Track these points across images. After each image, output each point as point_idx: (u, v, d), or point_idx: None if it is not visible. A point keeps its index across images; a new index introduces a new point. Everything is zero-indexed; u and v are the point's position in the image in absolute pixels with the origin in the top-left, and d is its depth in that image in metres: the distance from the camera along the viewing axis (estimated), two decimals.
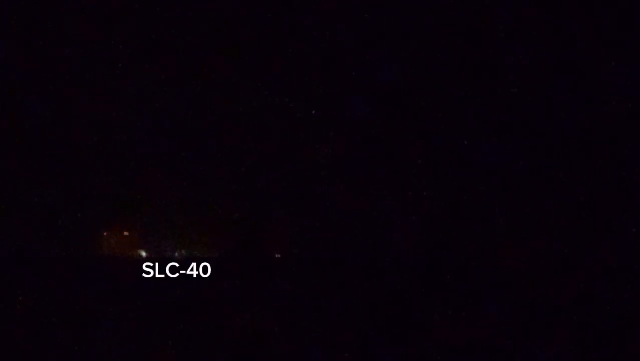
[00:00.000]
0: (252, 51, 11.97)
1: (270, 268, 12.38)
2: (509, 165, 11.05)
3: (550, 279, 10.45)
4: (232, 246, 12.64)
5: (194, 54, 12.09)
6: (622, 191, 10.57)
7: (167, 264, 12.66)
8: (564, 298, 10.14)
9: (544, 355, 9.54)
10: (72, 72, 12.11)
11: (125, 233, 12.81)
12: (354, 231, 11.73)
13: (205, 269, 12.34)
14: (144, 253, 12.85)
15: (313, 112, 11.95)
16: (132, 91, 12.29)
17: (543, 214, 10.83)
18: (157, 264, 12.64)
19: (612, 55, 10.64)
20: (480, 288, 10.65)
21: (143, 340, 10.96)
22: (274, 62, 11.99)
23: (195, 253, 12.80)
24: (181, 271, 12.40)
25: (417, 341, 10.43)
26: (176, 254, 12.83)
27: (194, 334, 11.08)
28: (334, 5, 11.55)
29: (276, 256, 12.55)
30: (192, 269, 12.42)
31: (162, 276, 12.21)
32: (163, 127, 12.42)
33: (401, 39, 11.46)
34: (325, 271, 11.85)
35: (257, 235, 12.48)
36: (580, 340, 9.57)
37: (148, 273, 12.32)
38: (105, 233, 12.79)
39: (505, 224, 10.94)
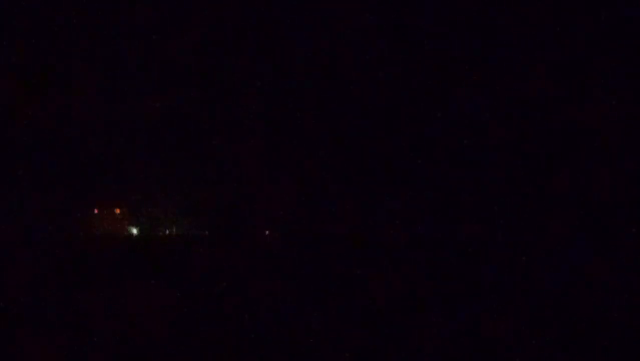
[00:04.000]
0: (246, 50, 11.96)
1: (260, 245, 12.45)
2: (508, 165, 11.13)
3: (549, 279, 10.61)
4: (222, 224, 12.72)
5: (189, 51, 12.05)
6: (622, 191, 10.68)
7: (158, 241, 12.79)
8: (564, 297, 10.31)
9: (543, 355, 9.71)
10: (65, 64, 12.08)
11: (117, 211, 12.85)
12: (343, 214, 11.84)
13: (196, 247, 12.48)
14: (134, 231, 12.90)
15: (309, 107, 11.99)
16: (125, 80, 12.27)
17: (544, 214, 10.95)
18: (148, 241, 12.77)
19: (612, 56, 10.67)
20: (478, 285, 10.80)
21: (134, 315, 11.03)
22: (265, 61, 12.00)
23: (186, 231, 12.88)
24: (172, 248, 12.52)
25: (407, 323, 10.57)
26: (167, 231, 12.89)
27: (184, 309, 11.17)
28: (334, 7, 11.50)
29: (266, 233, 12.66)
30: (182, 247, 12.55)
31: (153, 252, 12.32)
32: (155, 111, 12.43)
33: (401, 41, 11.44)
34: (315, 250, 11.96)
35: (247, 214, 12.57)
36: (580, 339, 9.72)
37: (139, 249, 12.45)
38: (96, 211, 12.81)
39: (504, 224, 11.06)
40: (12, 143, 12.17)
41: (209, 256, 12.17)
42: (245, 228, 12.55)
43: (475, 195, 11.32)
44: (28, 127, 12.21)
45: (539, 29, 11.02)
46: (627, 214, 10.74)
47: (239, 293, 11.37)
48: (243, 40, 11.88)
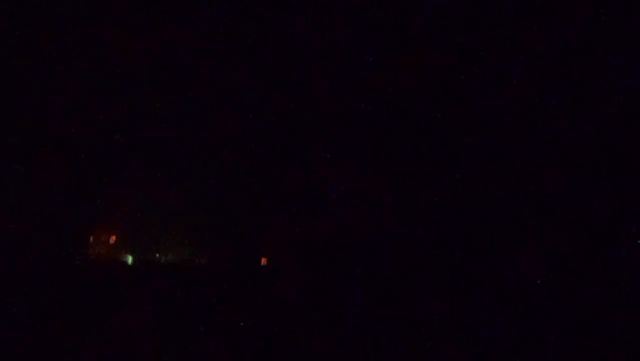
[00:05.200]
0: (249, 51, 11.98)
1: (259, 272, 12.30)
2: (508, 165, 11.12)
3: (548, 280, 10.52)
4: (220, 251, 12.55)
5: (188, 56, 12.08)
6: (622, 192, 10.67)
7: (154, 269, 12.57)
8: (563, 299, 10.22)
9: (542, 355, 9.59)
10: (64, 77, 12.05)
11: (112, 238, 12.65)
12: (348, 234, 11.72)
13: (193, 274, 12.29)
14: (130, 258, 12.68)
15: (310, 114, 11.96)
16: (120, 95, 12.23)
17: (543, 215, 10.91)
18: (144, 268, 12.56)
19: (612, 55, 10.76)
20: (479, 288, 10.68)
21: (131, 342, 10.81)
22: (270, 62, 12.01)
23: (183, 258, 12.68)
24: (168, 277, 12.33)
25: (413, 340, 10.41)
26: (162, 259, 12.68)
27: (183, 337, 10.96)
28: (335, 6, 11.60)
29: (263, 260, 12.48)
30: (179, 274, 12.35)
31: (149, 281, 12.12)
32: (152, 132, 12.36)
33: (400, 40, 11.52)
34: (315, 275, 11.80)
35: (246, 240, 12.42)
36: (578, 339, 9.63)
37: (134, 278, 12.24)
38: (91, 238, 12.61)
39: (504, 225, 11.00)
40: (6, 168, 12.06)
41: (207, 283, 12.00)
42: (243, 256, 12.37)
43: (475, 195, 11.27)
44: (19, 150, 12.11)
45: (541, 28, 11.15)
46: (627, 214, 10.70)
47: (237, 321, 11.18)
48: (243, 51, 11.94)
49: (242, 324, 10.93)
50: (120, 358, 10.45)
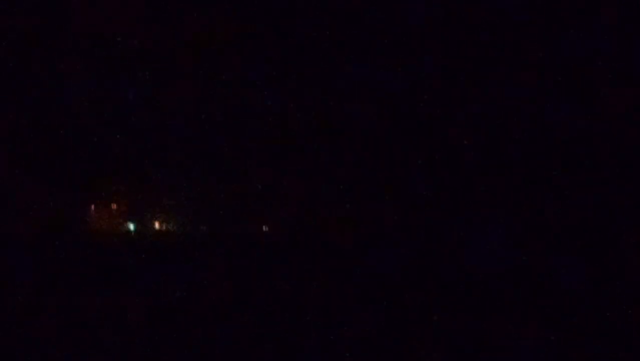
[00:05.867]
0: (249, 50, 11.85)
1: (260, 241, 12.41)
2: (507, 166, 11.13)
3: (548, 282, 10.65)
4: (221, 220, 12.65)
5: (194, 50, 11.93)
6: (622, 193, 10.72)
7: (156, 237, 12.67)
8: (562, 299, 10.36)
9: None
10: (65, 57, 11.93)
11: (113, 206, 12.70)
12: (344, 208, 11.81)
13: (194, 243, 12.42)
14: (131, 226, 12.77)
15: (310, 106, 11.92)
16: (124, 72, 12.14)
17: (542, 215, 10.98)
18: (145, 237, 12.66)
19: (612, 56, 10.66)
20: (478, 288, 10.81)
21: (132, 314, 11.02)
22: (269, 60, 11.90)
23: (184, 227, 12.78)
24: (170, 245, 12.45)
25: (408, 323, 10.59)
26: (164, 227, 12.78)
27: (183, 308, 11.16)
28: (333, 6, 11.42)
29: (264, 229, 12.60)
30: (180, 243, 12.47)
31: (151, 249, 12.26)
32: (153, 104, 12.31)
33: (400, 40, 11.39)
34: (314, 247, 11.94)
35: (247, 209, 12.51)
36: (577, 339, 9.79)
37: (136, 246, 12.36)
38: (92, 206, 12.67)
39: (504, 225, 11.08)
40: (4, 137, 12.03)
41: (207, 251, 12.13)
42: (244, 224, 12.47)
43: (474, 194, 11.34)
44: (21, 119, 12.07)
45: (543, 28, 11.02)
46: (627, 215, 10.79)
47: (238, 289, 11.36)
48: (248, 36, 11.79)
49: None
50: (122, 330, 10.69)
